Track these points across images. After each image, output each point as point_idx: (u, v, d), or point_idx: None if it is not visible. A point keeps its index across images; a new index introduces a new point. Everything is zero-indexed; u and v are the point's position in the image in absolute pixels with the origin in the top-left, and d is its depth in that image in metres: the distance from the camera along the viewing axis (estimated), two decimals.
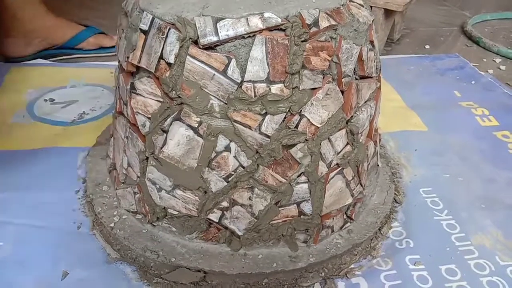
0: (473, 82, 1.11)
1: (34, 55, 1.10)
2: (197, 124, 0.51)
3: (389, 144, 0.86)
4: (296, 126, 0.52)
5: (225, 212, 0.56)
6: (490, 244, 0.65)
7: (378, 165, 0.71)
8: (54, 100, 0.94)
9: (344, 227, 0.63)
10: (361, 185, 0.62)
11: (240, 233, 0.56)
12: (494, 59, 1.27)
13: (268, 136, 0.51)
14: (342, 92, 0.53)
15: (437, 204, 0.72)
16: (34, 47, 1.09)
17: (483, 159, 0.83)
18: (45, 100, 0.94)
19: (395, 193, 0.71)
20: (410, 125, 0.92)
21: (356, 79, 0.56)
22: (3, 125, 0.86)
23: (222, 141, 0.52)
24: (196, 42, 0.48)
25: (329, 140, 0.54)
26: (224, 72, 0.48)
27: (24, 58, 1.09)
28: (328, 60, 0.50)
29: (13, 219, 0.65)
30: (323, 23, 0.49)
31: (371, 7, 1.17)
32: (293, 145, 0.52)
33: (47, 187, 0.71)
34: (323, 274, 0.59)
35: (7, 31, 1.05)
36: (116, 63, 0.62)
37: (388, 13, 1.20)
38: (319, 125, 0.52)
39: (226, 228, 0.57)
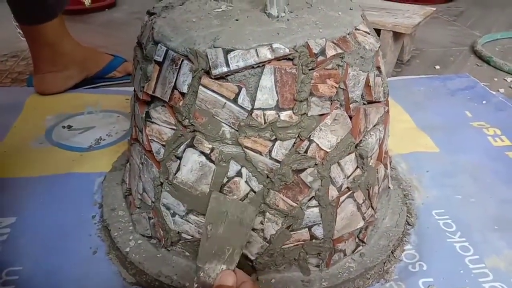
0: (484, 102, 1.11)
1: (74, 87, 1.13)
2: (209, 151, 0.53)
3: (401, 165, 0.86)
4: (306, 151, 0.53)
5: None
6: (505, 266, 0.64)
7: (389, 188, 0.71)
8: (72, 126, 0.97)
9: (356, 250, 0.63)
10: (372, 208, 0.63)
11: (252, 257, 0.57)
12: (505, 78, 1.27)
13: (278, 161, 0.52)
14: (350, 117, 0.55)
15: (450, 226, 0.71)
16: (75, 79, 1.13)
17: (496, 180, 0.83)
18: (63, 127, 0.97)
19: (407, 215, 0.72)
20: (421, 147, 0.92)
21: (364, 104, 0.57)
22: (22, 151, 0.89)
23: (233, 167, 0.53)
24: (208, 73, 0.50)
25: (339, 164, 0.55)
26: (235, 101, 0.50)
27: None
28: (335, 87, 0.52)
29: (31, 243, 0.67)
30: (330, 52, 0.51)
31: (379, 30, 1.18)
32: (303, 170, 0.54)
33: (64, 212, 0.73)
34: None
35: (47, 66, 1.08)
36: (131, 89, 0.64)
37: (397, 35, 1.22)
38: (328, 150, 0.54)
39: None
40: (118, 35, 1.55)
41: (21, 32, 1.44)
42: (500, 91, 1.18)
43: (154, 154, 0.57)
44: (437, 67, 1.36)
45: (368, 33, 0.57)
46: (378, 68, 0.58)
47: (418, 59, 1.42)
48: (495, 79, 1.27)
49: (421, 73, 1.31)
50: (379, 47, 0.58)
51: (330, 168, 0.55)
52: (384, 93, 0.61)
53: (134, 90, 0.61)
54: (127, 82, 1.18)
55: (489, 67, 1.35)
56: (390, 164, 0.73)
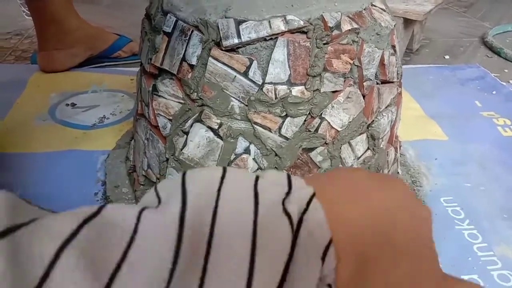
0: (494, 92, 1.09)
1: (78, 66, 1.11)
2: (217, 126, 0.51)
3: (409, 152, 0.84)
4: (316, 130, 0.51)
5: None
6: None
7: (398, 173, 0.70)
8: (76, 104, 0.96)
9: None
10: None
11: None
12: None
13: (287, 139, 0.51)
14: (364, 96, 0.53)
15: (459, 214, 0.70)
16: (80, 57, 1.11)
17: (505, 169, 0.81)
18: (67, 105, 0.96)
19: None
20: (430, 134, 0.91)
21: (378, 83, 0.55)
22: (25, 128, 0.88)
23: (241, 143, 0.52)
24: (218, 44, 0.48)
25: (350, 145, 0.54)
26: (245, 74, 0.49)
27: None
28: (350, 63, 0.50)
29: None
30: (345, 26, 0.49)
31: None
32: (313, 149, 0.52)
33: (66, 190, 0.72)
34: None
35: (52, 44, 1.06)
36: (137, 70, 0.63)
37: (408, 22, 1.20)
38: (339, 129, 0.52)
39: None
40: (125, 16, 1.53)
41: (25, 10, 1.42)
42: (510, 82, 1.16)
43: (160, 129, 0.56)
44: (447, 57, 1.34)
45: (384, 10, 0.55)
46: (393, 47, 0.57)
47: (428, 48, 1.40)
48: (506, 70, 1.25)
49: (430, 62, 1.29)
50: (394, 25, 0.56)
51: (340, 148, 0.53)
52: (397, 73, 0.59)
53: (141, 63, 0.59)
54: (132, 62, 1.16)
55: (500, 59, 1.33)
56: (399, 149, 0.72)
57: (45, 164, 0.78)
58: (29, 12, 1.10)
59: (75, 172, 0.76)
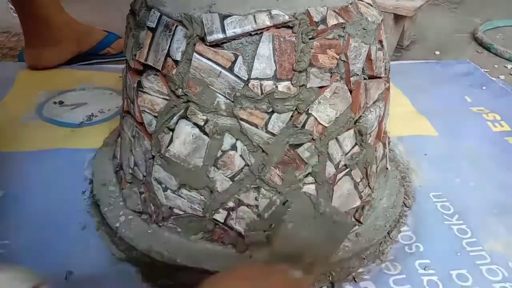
0: (484, 88, 1.09)
1: (67, 63, 1.10)
2: (203, 122, 0.51)
3: (398, 148, 0.84)
4: (303, 125, 0.51)
5: (230, 213, 0.55)
6: (503, 249, 0.63)
7: (387, 168, 0.70)
8: (63, 102, 0.95)
9: (352, 230, 0.61)
10: (369, 187, 0.61)
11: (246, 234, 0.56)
12: (506, 65, 1.25)
13: (274, 135, 0.50)
14: (351, 92, 0.53)
15: (448, 209, 0.70)
16: (68, 54, 1.09)
17: (495, 165, 0.81)
18: (55, 103, 0.95)
19: (404, 197, 0.70)
20: (420, 130, 0.91)
21: (365, 78, 0.55)
22: (12, 126, 0.86)
23: (228, 140, 0.51)
24: (203, 39, 0.48)
25: (337, 140, 0.54)
26: (230, 70, 0.48)
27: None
28: (336, 58, 0.49)
29: (18, 217, 0.65)
30: (331, 21, 0.48)
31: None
32: (300, 145, 0.52)
33: (53, 187, 0.71)
34: (330, 278, 0.58)
35: (40, 40, 1.05)
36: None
37: (398, 18, 1.20)
38: (326, 125, 0.52)
39: (232, 228, 0.56)
40: (113, 13, 1.51)
41: (13, 8, 1.40)
42: (500, 78, 1.17)
43: (146, 126, 0.55)
44: (437, 52, 1.34)
45: (371, 5, 0.55)
46: (380, 42, 0.56)
47: (418, 44, 1.40)
48: (495, 66, 1.26)
49: (421, 58, 1.29)
50: (381, 20, 0.56)
51: (328, 144, 0.53)
52: (385, 68, 0.59)
53: (126, 60, 0.59)
54: (121, 59, 1.15)
55: (490, 54, 1.34)
56: (388, 145, 0.72)
57: (32, 163, 0.77)
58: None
59: (62, 171, 0.75)
